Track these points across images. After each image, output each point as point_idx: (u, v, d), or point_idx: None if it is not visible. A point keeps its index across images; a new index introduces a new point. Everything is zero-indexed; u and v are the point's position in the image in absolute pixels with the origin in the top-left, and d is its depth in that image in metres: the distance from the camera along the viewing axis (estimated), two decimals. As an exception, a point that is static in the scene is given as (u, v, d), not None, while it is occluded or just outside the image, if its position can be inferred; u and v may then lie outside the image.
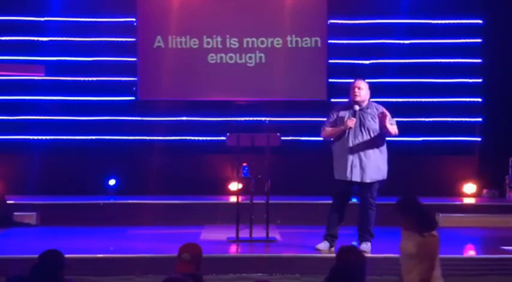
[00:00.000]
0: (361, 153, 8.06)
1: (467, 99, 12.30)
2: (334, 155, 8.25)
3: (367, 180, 8.08)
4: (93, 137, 12.22)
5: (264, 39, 12.29)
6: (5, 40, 12.20)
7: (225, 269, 7.50)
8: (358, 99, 8.17)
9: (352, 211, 11.04)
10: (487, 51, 12.29)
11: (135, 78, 12.31)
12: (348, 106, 8.27)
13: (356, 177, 8.05)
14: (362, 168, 8.05)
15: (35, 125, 12.18)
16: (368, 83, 12.18)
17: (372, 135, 8.10)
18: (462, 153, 12.30)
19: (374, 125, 8.13)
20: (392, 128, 8.18)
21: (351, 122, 8.04)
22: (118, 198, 11.51)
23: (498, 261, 8.01)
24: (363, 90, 8.23)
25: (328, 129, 8.28)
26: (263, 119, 12.14)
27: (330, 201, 8.36)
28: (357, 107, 8.14)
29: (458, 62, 12.27)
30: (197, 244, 5.20)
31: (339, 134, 8.15)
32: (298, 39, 12.29)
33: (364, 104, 8.21)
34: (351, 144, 8.07)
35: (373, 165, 8.10)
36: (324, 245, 8.27)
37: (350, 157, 8.05)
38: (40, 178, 11.76)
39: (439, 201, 11.35)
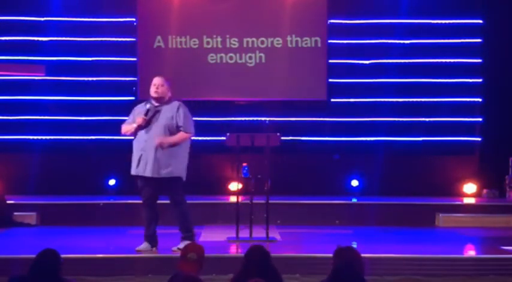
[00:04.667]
0: (154, 149, 8.04)
1: (467, 99, 12.30)
2: (134, 151, 8.20)
3: (162, 175, 8.08)
4: (93, 137, 12.22)
5: (264, 39, 12.29)
6: (5, 40, 12.21)
7: (225, 269, 7.48)
8: (155, 95, 8.19)
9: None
10: (487, 51, 12.29)
11: (135, 78, 12.31)
12: (147, 103, 8.28)
13: (148, 173, 8.04)
14: (156, 163, 8.05)
15: (35, 125, 12.18)
16: (368, 83, 12.33)
17: (166, 132, 8.12)
18: (462, 153, 12.30)
19: (169, 121, 8.15)
20: (178, 138, 8.18)
21: (140, 120, 8.09)
22: (118, 198, 11.51)
23: (498, 261, 8.00)
24: (163, 86, 8.22)
25: (123, 127, 8.28)
26: (263, 119, 12.15)
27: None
28: (147, 105, 8.16)
29: (458, 62, 12.27)
30: (200, 245, 5.25)
31: (136, 131, 8.15)
32: (298, 39, 12.29)
33: (164, 101, 8.20)
34: (145, 140, 8.08)
35: (165, 161, 8.10)
36: (145, 246, 8.22)
37: (143, 153, 8.07)
38: (40, 178, 11.77)
39: (439, 201, 11.36)
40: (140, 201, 10.97)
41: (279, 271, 4.92)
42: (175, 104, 8.27)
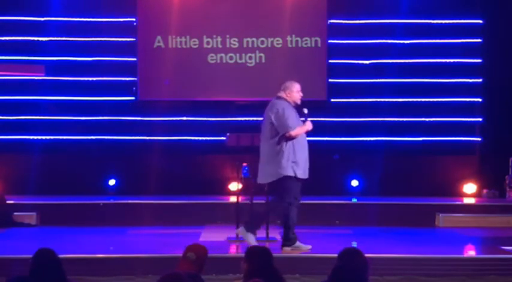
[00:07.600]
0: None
1: (467, 99, 12.30)
2: (297, 155, 8.20)
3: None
4: (93, 137, 12.22)
5: (264, 39, 12.29)
6: (5, 40, 12.20)
7: (225, 269, 7.49)
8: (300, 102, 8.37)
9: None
10: (487, 51, 12.28)
11: (135, 78, 12.31)
12: (293, 107, 8.35)
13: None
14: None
15: (35, 125, 12.18)
16: (368, 83, 12.33)
17: None
18: (462, 153, 12.30)
19: None
20: None
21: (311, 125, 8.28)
22: (118, 198, 11.51)
23: (498, 261, 8.01)
24: None
25: (297, 130, 8.22)
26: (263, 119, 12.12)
27: (288, 201, 8.23)
28: (306, 110, 8.30)
29: (458, 62, 12.26)
30: (203, 246, 5.18)
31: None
32: (298, 39, 12.29)
33: None
34: (307, 144, 8.31)
35: None
36: (301, 245, 8.29)
37: (308, 157, 8.27)
38: (40, 178, 11.77)
39: (439, 201, 11.36)
40: (143, 202, 11.06)
41: (280, 272, 4.91)
42: None
